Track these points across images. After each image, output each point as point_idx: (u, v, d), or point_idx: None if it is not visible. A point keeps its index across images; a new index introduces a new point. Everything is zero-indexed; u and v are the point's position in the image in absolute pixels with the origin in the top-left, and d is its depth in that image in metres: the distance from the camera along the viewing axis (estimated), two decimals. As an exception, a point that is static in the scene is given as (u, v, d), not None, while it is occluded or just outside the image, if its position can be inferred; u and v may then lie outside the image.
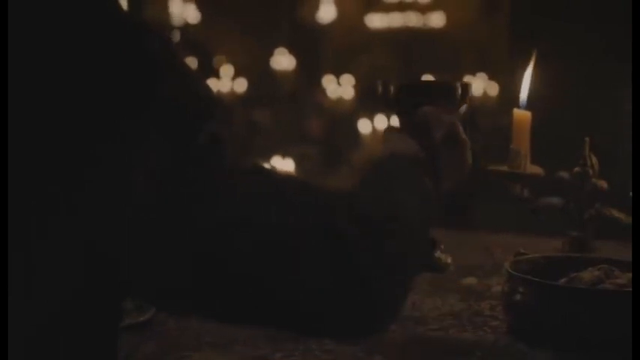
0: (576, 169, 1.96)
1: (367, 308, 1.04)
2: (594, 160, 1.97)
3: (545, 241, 2.23)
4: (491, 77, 7.92)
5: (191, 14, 8.00)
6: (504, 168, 1.97)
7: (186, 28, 7.96)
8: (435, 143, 1.31)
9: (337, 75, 7.84)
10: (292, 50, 8.01)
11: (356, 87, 7.69)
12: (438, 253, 1.51)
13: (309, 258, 1.00)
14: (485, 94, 7.86)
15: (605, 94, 6.61)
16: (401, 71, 8.55)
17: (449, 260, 1.51)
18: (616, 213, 1.93)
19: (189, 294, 0.99)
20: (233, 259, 0.97)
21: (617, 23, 7.16)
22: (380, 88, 1.50)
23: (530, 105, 1.99)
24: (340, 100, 7.59)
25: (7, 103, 0.89)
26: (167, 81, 0.98)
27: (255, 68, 7.96)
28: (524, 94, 1.96)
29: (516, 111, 1.98)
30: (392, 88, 1.50)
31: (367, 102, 7.22)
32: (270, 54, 7.93)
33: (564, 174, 1.98)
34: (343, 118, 7.28)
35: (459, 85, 1.48)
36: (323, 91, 7.70)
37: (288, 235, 1.00)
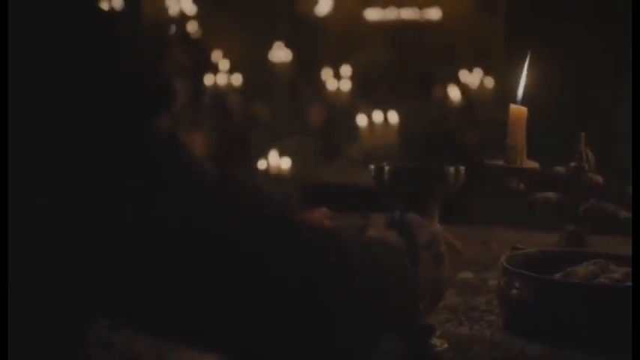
0: (572, 163, 1.97)
1: (332, 343, 1.03)
2: (590, 155, 1.98)
3: (542, 235, 2.24)
4: (488, 70, 7.93)
5: (188, 8, 8.00)
6: (501, 163, 1.98)
7: (183, 22, 7.96)
8: (416, 247, 1.31)
9: (335, 68, 7.85)
10: (290, 44, 8.02)
11: (353, 80, 7.70)
12: (433, 340, 1.51)
13: (277, 286, 0.98)
14: (481, 87, 7.87)
15: (602, 89, 6.64)
16: (398, 64, 8.58)
17: (445, 346, 1.52)
18: (613, 207, 1.94)
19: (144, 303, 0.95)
20: (194, 268, 0.94)
21: (614, 16, 7.20)
22: (373, 172, 1.51)
23: (526, 100, 2.00)
24: (338, 93, 7.59)
25: None
26: (119, 65, 0.95)
27: (252, 62, 7.97)
28: (520, 89, 1.97)
29: (512, 106, 1.99)
30: (386, 173, 1.50)
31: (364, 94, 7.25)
32: (268, 48, 7.94)
33: (560, 169, 1.99)
34: (341, 110, 7.29)
35: (452, 169, 1.49)
36: (321, 84, 7.71)
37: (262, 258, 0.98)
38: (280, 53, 7.94)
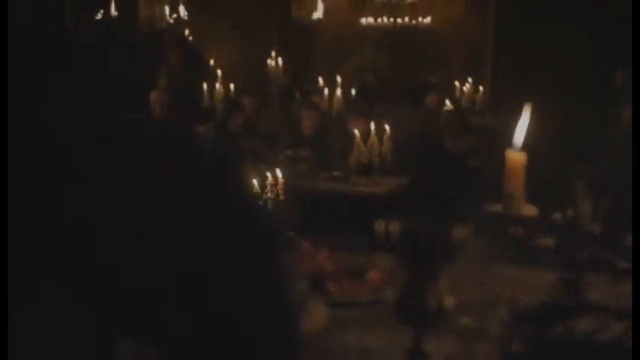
0: (569, 212, 1.99)
1: None
2: (587, 203, 2.00)
3: (540, 275, 2.26)
4: (478, 76, 7.98)
5: (183, 14, 8.01)
6: (499, 209, 1.99)
7: (178, 27, 7.97)
8: None
9: (328, 74, 7.87)
10: (284, 50, 8.03)
11: (347, 86, 7.71)
12: None
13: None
14: (472, 93, 7.91)
15: (593, 96, 6.67)
16: (390, 70, 8.62)
17: None
18: (611, 257, 1.96)
19: None
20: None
21: (605, 18, 7.24)
22: (382, 230, 1.55)
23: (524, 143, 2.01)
24: (331, 99, 7.61)
25: None
26: None
27: (247, 68, 7.99)
28: (518, 137, 1.97)
29: (510, 152, 1.99)
30: (395, 234, 1.54)
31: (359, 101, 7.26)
32: (263, 54, 7.95)
33: (558, 215, 2.01)
34: (334, 117, 7.29)
35: (457, 242, 1.52)
36: (314, 90, 7.71)
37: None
38: (274, 61, 7.95)
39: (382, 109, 6.72)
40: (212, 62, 7.87)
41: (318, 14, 8.47)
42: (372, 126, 6.07)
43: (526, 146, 2.00)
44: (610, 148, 5.06)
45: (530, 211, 1.98)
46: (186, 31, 8.07)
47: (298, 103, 7.49)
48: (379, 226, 1.51)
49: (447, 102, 7.34)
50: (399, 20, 8.84)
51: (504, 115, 7.15)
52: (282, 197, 5.28)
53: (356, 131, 6.07)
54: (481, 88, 7.89)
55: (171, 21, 7.95)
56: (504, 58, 7.75)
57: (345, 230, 5.42)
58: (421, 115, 7.16)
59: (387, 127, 6.11)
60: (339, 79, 7.67)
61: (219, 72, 7.65)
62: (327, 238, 4.75)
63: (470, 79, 8.00)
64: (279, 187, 5.25)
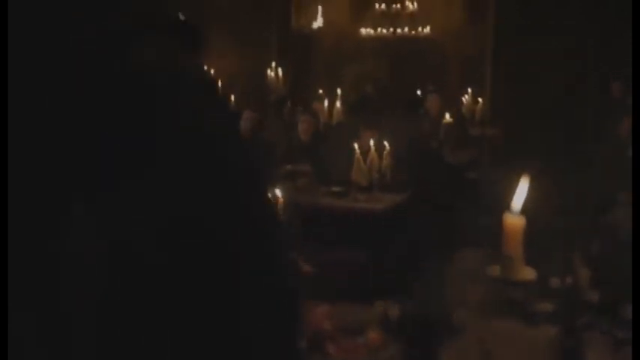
0: (568, 280, 1.98)
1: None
2: (584, 272, 1.99)
3: (540, 330, 2.26)
4: (479, 86, 7.97)
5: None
6: (497, 271, 1.99)
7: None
8: None
9: (328, 84, 7.85)
10: (283, 60, 8.02)
11: (346, 97, 7.69)
12: None
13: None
14: (472, 104, 7.90)
15: (590, 108, 6.67)
16: (389, 80, 8.60)
17: None
18: (610, 328, 1.95)
19: None
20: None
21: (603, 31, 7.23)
22: (381, 311, 1.55)
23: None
24: (331, 109, 7.59)
25: None
26: None
27: (246, 80, 7.97)
28: (517, 202, 1.96)
29: (508, 216, 1.98)
30: (396, 315, 1.54)
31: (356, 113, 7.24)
32: (262, 65, 7.94)
33: (555, 281, 2.01)
34: (332, 127, 7.28)
35: (457, 324, 1.53)
36: (313, 100, 7.70)
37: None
38: (274, 70, 7.93)
39: (382, 119, 6.70)
40: (212, 72, 7.85)
41: (318, 24, 8.45)
42: (372, 142, 6.03)
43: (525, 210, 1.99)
44: (609, 152, 5.06)
45: (528, 274, 1.98)
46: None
47: (290, 111, 7.48)
48: (378, 307, 1.52)
49: (447, 115, 7.32)
50: (398, 30, 8.83)
51: (504, 125, 7.12)
52: (281, 216, 5.28)
53: (356, 146, 6.04)
54: (480, 99, 7.87)
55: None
56: (503, 67, 7.74)
57: (344, 246, 5.43)
58: (422, 118, 7.15)
59: (386, 143, 6.08)
60: (339, 91, 7.66)
61: (219, 83, 7.65)
62: (327, 254, 4.76)
63: (469, 90, 7.97)
64: (279, 205, 5.25)
